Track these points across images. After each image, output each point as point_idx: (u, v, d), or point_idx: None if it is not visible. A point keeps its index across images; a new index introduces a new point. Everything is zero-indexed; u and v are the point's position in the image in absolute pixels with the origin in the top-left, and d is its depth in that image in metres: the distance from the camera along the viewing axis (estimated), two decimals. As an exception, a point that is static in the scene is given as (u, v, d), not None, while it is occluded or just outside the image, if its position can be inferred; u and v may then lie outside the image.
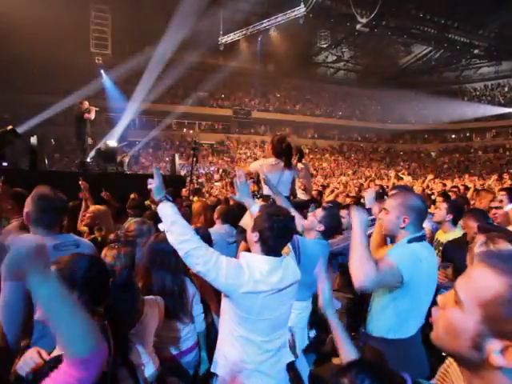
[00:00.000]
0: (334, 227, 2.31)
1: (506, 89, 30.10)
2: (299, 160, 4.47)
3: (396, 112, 31.54)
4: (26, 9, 16.60)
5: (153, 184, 1.58)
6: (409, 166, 28.39)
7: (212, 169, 23.11)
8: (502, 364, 0.58)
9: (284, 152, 3.26)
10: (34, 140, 6.08)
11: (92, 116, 6.90)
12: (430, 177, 7.19)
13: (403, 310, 1.54)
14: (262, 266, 1.45)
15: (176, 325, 1.85)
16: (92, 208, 2.85)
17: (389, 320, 1.58)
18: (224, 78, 24.69)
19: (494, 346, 0.58)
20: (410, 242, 1.57)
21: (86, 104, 6.92)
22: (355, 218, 1.48)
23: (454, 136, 32.16)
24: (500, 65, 28.45)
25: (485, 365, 0.60)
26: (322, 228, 2.22)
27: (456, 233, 2.86)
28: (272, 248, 1.50)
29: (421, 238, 1.61)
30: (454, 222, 2.94)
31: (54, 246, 1.67)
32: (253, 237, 1.51)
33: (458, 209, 3.00)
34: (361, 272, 1.38)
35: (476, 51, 25.14)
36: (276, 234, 1.48)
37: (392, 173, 10.35)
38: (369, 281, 1.37)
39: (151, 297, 1.68)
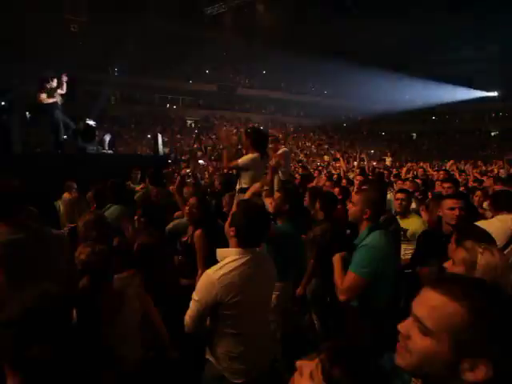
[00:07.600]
0: (297, 203, 2.43)
1: (486, 74, 30.60)
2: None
3: (380, 93, 31.62)
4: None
5: None
6: (390, 147, 28.96)
7: (196, 146, 22.84)
8: (474, 379, 0.64)
9: (261, 143, 3.45)
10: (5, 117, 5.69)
11: (64, 89, 6.30)
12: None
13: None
14: (234, 256, 1.55)
15: None
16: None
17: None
18: (208, 53, 23.90)
19: (466, 365, 0.65)
20: (371, 229, 1.81)
21: (55, 81, 6.27)
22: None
23: (434, 118, 32.77)
24: (482, 49, 28.72)
25: (455, 380, 0.66)
26: (287, 207, 2.35)
27: (416, 219, 3.17)
28: (249, 243, 1.58)
29: (379, 226, 1.87)
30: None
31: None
32: (230, 231, 1.60)
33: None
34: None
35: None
36: (252, 231, 1.56)
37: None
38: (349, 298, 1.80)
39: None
